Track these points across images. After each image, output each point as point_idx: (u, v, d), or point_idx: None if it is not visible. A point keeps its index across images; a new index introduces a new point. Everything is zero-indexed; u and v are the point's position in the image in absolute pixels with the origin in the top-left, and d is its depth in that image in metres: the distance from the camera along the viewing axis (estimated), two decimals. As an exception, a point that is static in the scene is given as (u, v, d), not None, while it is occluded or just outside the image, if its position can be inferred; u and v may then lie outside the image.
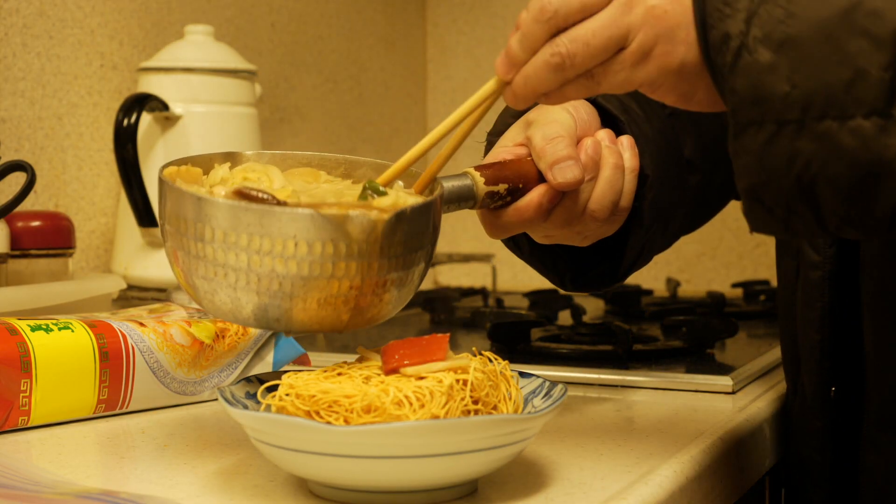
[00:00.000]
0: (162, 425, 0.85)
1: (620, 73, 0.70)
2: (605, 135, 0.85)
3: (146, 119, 1.29)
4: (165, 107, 1.29)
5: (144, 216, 1.25)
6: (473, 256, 1.81)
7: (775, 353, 1.12)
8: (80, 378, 0.84)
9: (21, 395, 0.81)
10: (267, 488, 0.67)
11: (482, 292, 1.67)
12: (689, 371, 1.02)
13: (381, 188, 0.73)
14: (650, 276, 1.89)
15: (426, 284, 2.00)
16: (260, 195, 0.68)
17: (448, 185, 0.78)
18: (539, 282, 1.98)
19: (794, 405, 0.93)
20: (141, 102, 1.26)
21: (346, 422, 0.62)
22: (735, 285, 1.64)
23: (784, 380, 0.99)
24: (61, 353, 0.83)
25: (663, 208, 0.90)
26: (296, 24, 1.71)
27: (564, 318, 1.36)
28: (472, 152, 0.93)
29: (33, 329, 0.83)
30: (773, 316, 1.44)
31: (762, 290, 1.55)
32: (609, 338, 1.13)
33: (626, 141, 0.85)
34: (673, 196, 0.92)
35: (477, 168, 0.81)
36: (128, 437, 0.83)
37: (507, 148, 0.85)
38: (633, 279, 1.88)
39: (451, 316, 1.40)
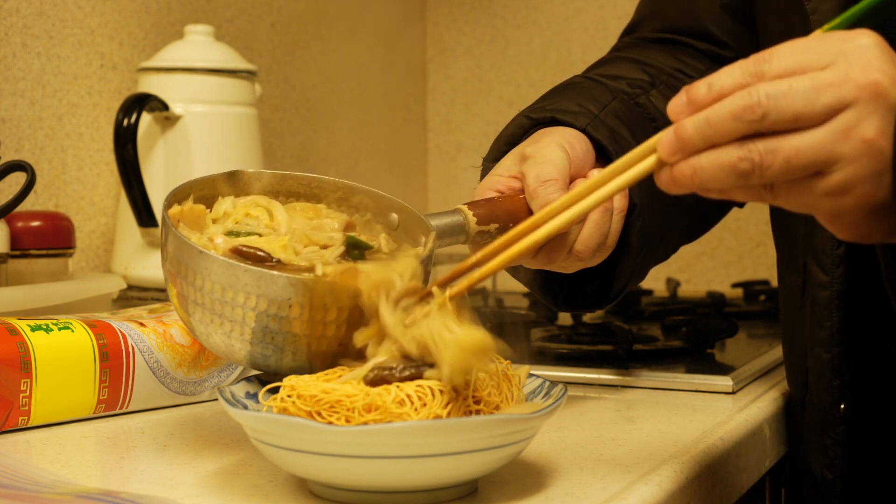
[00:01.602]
0: (162, 425, 0.85)
1: (808, 197, 0.63)
2: (597, 175, 0.84)
3: (146, 119, 1.29)
4: (165, 107, 1.29)
5: (144, 216, 1.25)
6: (473, 256, 1.81)
7: (775, 353, 1.12)
8: (80, 378, 0.84)
9: (21, 395, 0.81)
10: (267, 488, 0.67)
11: (482, 292, 1.66)
12: (689, 371, 1.02)
13: (364, 243, 0.76)
14: (650, 276, 1.88)
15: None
16: (258, 254, 0.71)
17: (441, 222, 0.82)
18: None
19: (803, 419, 0.93)
20: (141, 102, 1.26)
21: (348, 421, 0.62)
22: (735, 285, 1.64)
23: (784, 381, 0.99)
24: (61, 353, 0.83)
25: (652, 234, 0.91)
26: (296, 24, 1.71)
27: (564, 318, 1.36)
28: (470, 175, 0.93)
29: (33, 329, 0.83)
30: (773, 316, 1.44)
31: (762, 290, 1.55)
32: (609, 338, 1.13)
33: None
34: (665, 220, 0.92)
35: (469, 206, 0.84)
36: (128, 437, 0.83)
37: (501, 178, 0.86)
38: (633, 279, 1.88)
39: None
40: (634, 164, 0.65)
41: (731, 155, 0.62)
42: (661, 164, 0.64)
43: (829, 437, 0.89)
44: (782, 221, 0.95)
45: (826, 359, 0.88)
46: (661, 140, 0.63)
